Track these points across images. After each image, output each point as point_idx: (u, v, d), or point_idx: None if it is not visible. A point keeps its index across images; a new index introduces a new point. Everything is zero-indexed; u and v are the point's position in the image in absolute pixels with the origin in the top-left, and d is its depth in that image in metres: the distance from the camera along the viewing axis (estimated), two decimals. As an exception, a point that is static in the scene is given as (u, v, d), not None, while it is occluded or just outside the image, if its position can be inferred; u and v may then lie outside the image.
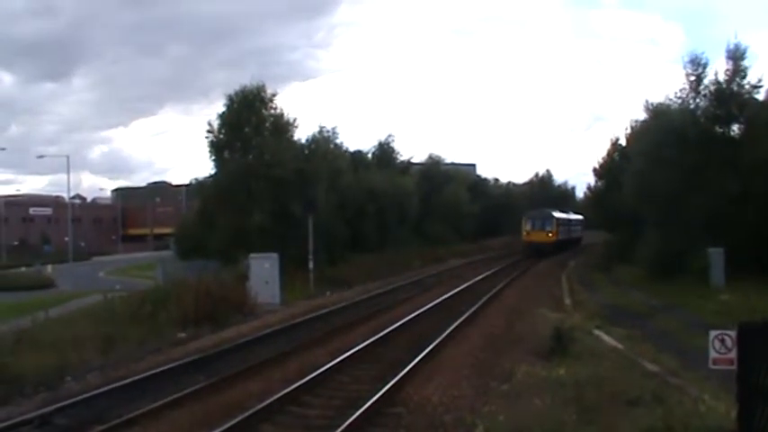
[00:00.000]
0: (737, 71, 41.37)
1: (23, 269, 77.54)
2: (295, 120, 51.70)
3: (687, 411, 11.54)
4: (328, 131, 57.31)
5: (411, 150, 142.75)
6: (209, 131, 49.68)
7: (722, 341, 10.40)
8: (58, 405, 15.33)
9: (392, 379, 16.77)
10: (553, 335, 19.54)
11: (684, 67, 43.02)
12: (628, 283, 45.02)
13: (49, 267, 75.18)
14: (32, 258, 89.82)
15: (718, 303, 29.56)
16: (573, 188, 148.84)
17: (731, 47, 41.78)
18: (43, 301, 38.70)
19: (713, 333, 10.54)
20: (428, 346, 21.11)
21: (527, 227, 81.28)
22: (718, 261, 35.91)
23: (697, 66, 42.65)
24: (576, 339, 19.54)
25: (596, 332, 22.71)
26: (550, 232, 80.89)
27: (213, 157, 50.16)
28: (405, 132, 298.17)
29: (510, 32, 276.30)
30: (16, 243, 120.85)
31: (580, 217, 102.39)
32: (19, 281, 62.53)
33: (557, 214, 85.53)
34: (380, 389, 15.84)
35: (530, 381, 15.61)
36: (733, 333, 10.16)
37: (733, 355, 10.12)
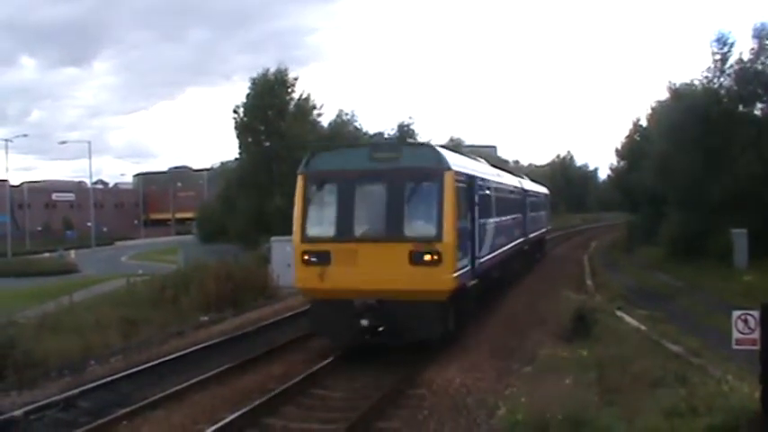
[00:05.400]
0: (762, 50, 40.97)
1: (47, 254, 78.15)
2: (322, 105, 51.92)
3: (710, 392, 11.48)
4: (347, 114, 57.32)
5: (431, 132, 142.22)
6: (234, 115, 49.96)
7: (745, 321, 10.36)
8: (83, 388, 15.44)
9: (415, 361, 16.75)
10: (575, 316, 19.48)
11: (711, 46, 42.84)
12: (650, 264, 44.87)
13: (72, 252, 75.80)
14: (55, 244, 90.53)
15: (742, 284, 29.46)
16: (596, 169, 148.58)
17: (758, 25, 41.48)
18: (67, 285, 38.98)
19: (736, 313, 10.50)
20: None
21: (312, 229, 17.85)
22: (742, 242, 35.69)
23: (723, 45, 42.39)
24: (598, 321, 19.47)
25: (619, 313, 22.63)
26: (433, 253, 16.58)
27: (237, 142, 50.49)
28: (425, 114, 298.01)
29: (531, 14, 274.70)
30: (39, 229, 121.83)
31: (542, 189, 50.73)
32: (42, 266, 63.13)
33: (457, 161, 19.35)
34: (403, 371, 15.94)
35: (552, 362, 15.58)
36: (756, 313, 10.11)
37: (756, 335, 10.08)
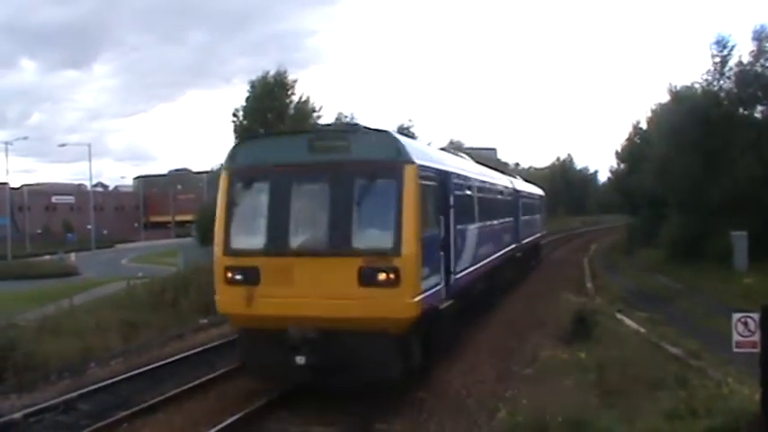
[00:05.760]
0: (762, 52, 41.00)
1: (47, 257, 78.06)
2: (321, 108, 51.87)
3: (710, 394, 11.49)
4: (347, 117, 57.34)
5: (431, 135, 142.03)
6: (233, 118, 49.96)
7: (745, 324, 10.38)
8: (82, 391, 15.47)
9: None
10: (575, 319, 19.48)
11: (710, 49, 42.96)
12: (650, 267, 44.88)
13: (72, 255, 75.75)
14: (55, 246, 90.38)
15: (741, 286, 29.44)
16: (596, 172, 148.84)
17: (757, 28, 41.57)
18: (67, 288, 38.99)
19: (736, 316, 10.52)
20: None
21: (237, 239, 14.75)
22: (742, 244, 35.68)
23: (723, 47, 42.47)
24: (598, 323, 19.47)
25: (618, 315, 22.65)
26: (389, 270, 13.30)
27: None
28: (425, 117, 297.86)
29: (532, 16, 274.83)
30: (39, 231, 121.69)
31: (537, 190, 47.09)
32: (42, 269, 63.08)
33: (424, 153, 16.41)
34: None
35: (552, 364, 15.59)
36: (756, 316, 10.12)
37: (756, 337, 10.10)
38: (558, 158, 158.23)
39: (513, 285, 31.05)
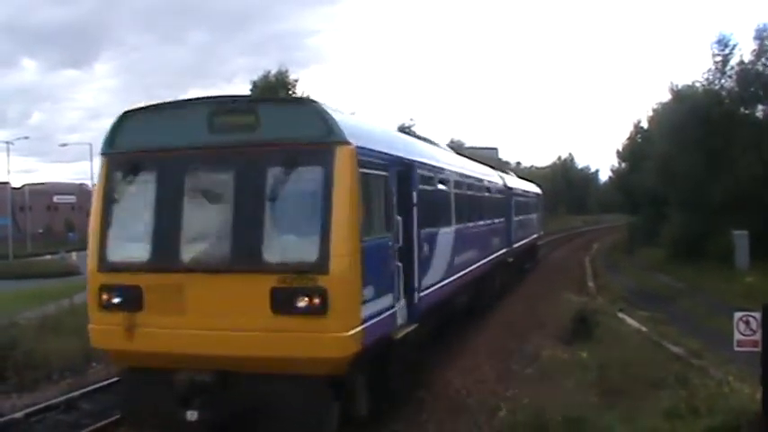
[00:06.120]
0: (764, 51, 40.99)
1: (48, 257, 77.95)
2: None
3: (711, 393, 11.49)
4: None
5: (432, 134, 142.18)
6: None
7: (747, 323, 10.37)
8: (84, 390, 15.47)
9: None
10: (576, 318, 19.47)
11: (711, 48, 42.99)
12: (651, 266, 44.89)
13: (74, 254, 75.57)
14: (57, 246, 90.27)
15: (743, 285, 29.39)
16: (597, 171, 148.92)
17: (760, 27, 41.58)
18: (68, 287, 38.93)
19: (737, 315, 10.52)
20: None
21: (115, 249, 10.79)
22: (743, 243, 35.65)
23: (724, 46, 42.50)
24: (599, 322, 19.47)
25: (620, 315, 22.64)
26: (314, 293, 9.62)
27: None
28: (426, 116, 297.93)
29: (532, 15, 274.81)
30: (41, 231, 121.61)
31: (533, 188, 44.60)
32: (44, 268, 62.94)
33: (367, 132, 12.11)
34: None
35: (553, 364, 15.58)
36: (758, 315, 10.12)
37: (758, 336, 10.10)
38: (559, 158, 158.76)
39: (506, 292, 28.96)
